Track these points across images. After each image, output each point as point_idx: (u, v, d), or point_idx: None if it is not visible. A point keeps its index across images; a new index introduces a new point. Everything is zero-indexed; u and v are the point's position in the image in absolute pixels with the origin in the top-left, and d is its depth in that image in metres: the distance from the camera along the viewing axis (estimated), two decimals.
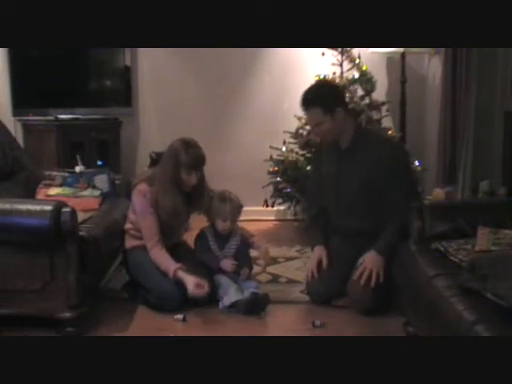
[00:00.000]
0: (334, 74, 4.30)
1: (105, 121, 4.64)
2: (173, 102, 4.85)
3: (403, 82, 4.44)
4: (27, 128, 4.51)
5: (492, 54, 3.50)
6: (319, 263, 3.01)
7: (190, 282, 2.81)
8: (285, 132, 4.38)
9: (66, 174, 3.59)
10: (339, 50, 4.31)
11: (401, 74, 4.45)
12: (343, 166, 2.99)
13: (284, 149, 4.38)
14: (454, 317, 1.92)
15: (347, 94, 4.06)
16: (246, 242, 3.19)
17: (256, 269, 3.33)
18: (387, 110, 4.41)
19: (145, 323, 2.83)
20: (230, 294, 2.91)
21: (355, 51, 4.33)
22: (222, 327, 2.78)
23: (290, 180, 4.27)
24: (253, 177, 4.54)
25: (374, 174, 2.88)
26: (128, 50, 4.68)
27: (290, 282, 3.37)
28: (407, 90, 4.44)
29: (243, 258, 3.14)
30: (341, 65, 4.33)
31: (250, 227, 3.47)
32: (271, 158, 4.42)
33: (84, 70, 4.68)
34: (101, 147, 4.55)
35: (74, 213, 2.62)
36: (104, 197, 3.38)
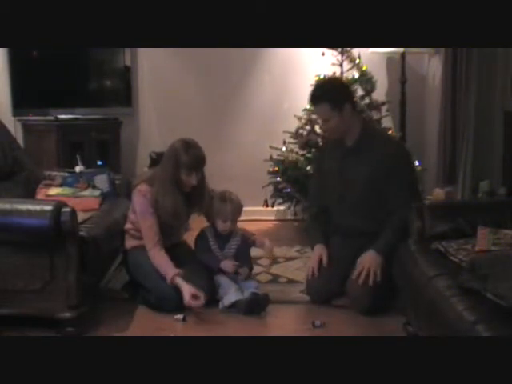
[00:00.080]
0: (334, 74, 4.29)
1: (105, 121, 4.64)
2: (173, 102, 4.85)
3: (403, 82, 4.44)
4: (27, 128, 4.51)
5: (492, 54, 3.50)
6: (320, 262, 3.01)
7: (187, 291, 2.80)
8: (285, 132, 4.38)
9: (66, 174, 3.59)
10: (339, 49, 4.31)
11: (401, 74, 4.44)
12: (347, 164, 3.00)
13: (284, 149, 4.38)
14: (454, 317, 1.91)
15: None
16: (246, 242, 3.19)
17: (256, 269, 3.33)
18: (387, 110, 4.41)
19: (145, 323, 2.83)
20: (230, 294, 2.91)
21: (355, 51, 4.34)
22: (222, 327, 2.78)
23: (289, 180, 4.27)
24: (253, 177, 4.54)
25: (377, 173, 2.89)
26: (128, 50, 4.68)
27: (290, 282, 3.37)
28: (407, 89, 4.44)
29: (243, 258, 3.14)
30: (341, 65, 4.33)
31: (250, 227, 3.47)
32: (271, 158, 4.42)
33: (84, 70, 4.68)
34: (101, 147, 4.55)
35: (73, 213, 2.62)
36: (104, 197, 3.38)
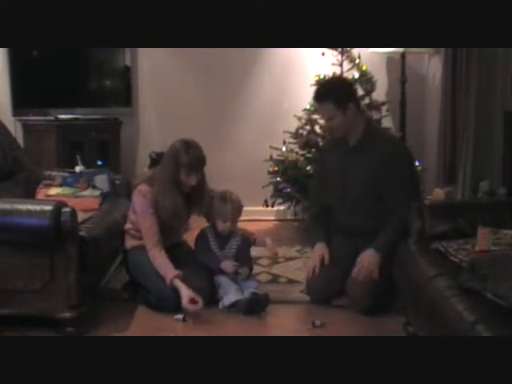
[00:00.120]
0: (334, 73, 4.29)
1: (105, 121, 4.64)
2: (173, 102, 4.85)
3: (403, 82, 4.43)
4: (27, 128, 4.51)
5: (492, 54, 3.50)
6: (321, 260, 3.01)
7: (185, 295, 2.79)
8: (285, 132, 4.38)
9: (66, 174, 3.59)
10: (339, 49, 4.31)
11: (401, 74, 4.44)
12: (350, 163, 3.00)
13: (284, 149, 4.38)
14: (454, 317, 1.92)
15: None
16: (246, 242, 3.19)
17: (256, 269, 3.33)
18: (387, 110, 4.41)
19: (145, 323, 2.83)
20: (230, 294, 2.91)
21: (355, 51, 4.34)
22: (222, 327, 2.78)
23: (289, 180, 4.27)
24: (253, 177, 4.54)
25: (379, 173, 2.90)
26: (128, 50, 4.68)
27: (290, 282, 3.37)
28: (407, 89, 4.44)
29: (244, 258, 3.14)
30: (341, 65, 4.33)
31: (250, 227, 3.48)
32: (271, 158, 4.42)
33: (84, 70, 4.68)
34: (101, 147, 4.55)
35: (74, 213, 2.62)
36: (104, 197, 3.38)
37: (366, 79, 4.26)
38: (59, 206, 2.60)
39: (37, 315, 2.64)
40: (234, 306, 2.89)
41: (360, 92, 4.28)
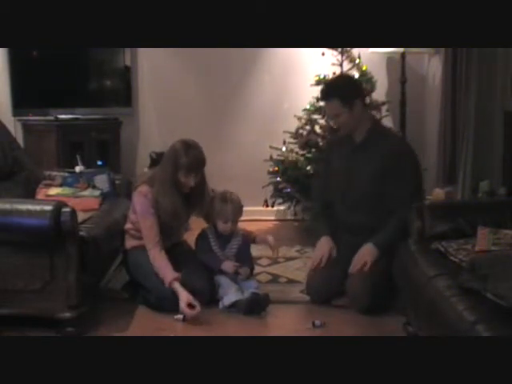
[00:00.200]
0: (334, 74, 4.29)
1: (105, 121, 4.64)
2: (173, 102, 4.85)
3: (403, 82, 4.43)
4: (27, 128, 4.51)
5: (492, 54, 3.50)
6: (329, 252, 3.01)
7: (184, 298, 2.79)
8: (285, 132, 4.38)
9: (66, 174, 3.59)
10: (339, 50, 4.31)
11: (401, 74, 4.44)
12: (355, 160, 3.01)
13: (284, 149, 4.38)
14: (454, 317, 1.91)
15: None
16: (247, 242, 3.19)
17: (256, 269, 3.33)
18: (387, 110, 4.41)
19: (145, 323, 2.83)
20: (230, 294, 2.91)
21: (355, 51, 4.34)
22: (222, 327, 2.78)
23: (289, 180, 4.27)
24: (253, 177, 4.54)
25: (383, 171, 2.91)
26: (128, 50, 4.68)
27: (290, 282, 3.37)
28: (407, 89, 4.44)
29: (245, 258, 3.14)
30: (341, 65, 4.33)
31: (250, 227, 3.47)
32: (271, 158, 4.42)
33: (84, 70, 4.68)
34: (101, 147, 4.55)
35: (74, 213, 2.62)
36: (104, 197, 3.38)
37: (366, 79, 4.26)
38: (59, 205, 2.60)
39: (37, 315, 2.64)
40: (234, 305, 2.89)
41: None
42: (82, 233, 2.68)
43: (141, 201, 2.97)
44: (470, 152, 3.63)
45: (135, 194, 3.02)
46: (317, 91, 4.28)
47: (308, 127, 4.30)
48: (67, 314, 2.61)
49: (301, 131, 4.33)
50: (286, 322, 2.87)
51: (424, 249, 2.51)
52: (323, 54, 4.35)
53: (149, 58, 4.78)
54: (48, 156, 4.30)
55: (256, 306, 2.87)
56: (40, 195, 3.29)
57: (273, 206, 4.64)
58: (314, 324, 2.75)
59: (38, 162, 3.83)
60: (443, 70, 4.05)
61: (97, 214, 3.09)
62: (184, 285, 2.85)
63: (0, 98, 4.50)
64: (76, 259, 2.61)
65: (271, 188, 4.44)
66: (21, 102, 4.47)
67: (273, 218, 4.83)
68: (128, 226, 3.08)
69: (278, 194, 4.43)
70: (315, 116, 4.31)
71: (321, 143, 4.19)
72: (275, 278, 3.42)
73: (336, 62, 4.33)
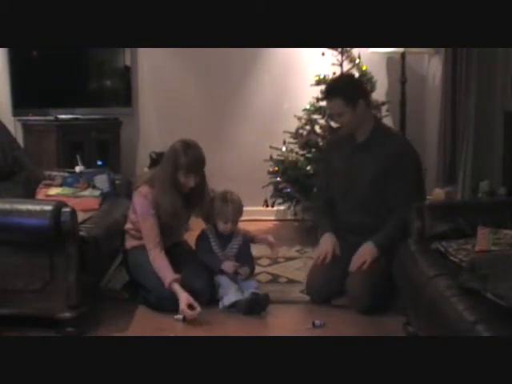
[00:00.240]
0: (334, 74, 4.29)
1: (105, 121, 4.64)
2: (173, 102, 4.85)
3: (403, 82, 4.43)
4: (27, 128, 4.51)
5: (492, 54, 3.50)
6: (333, 249, 3.01)
7: (183, 299, 2.78)
8: (285, 132, 4.38)
9: (66, 174, 3.59)
10: (339, 49, 4.31)
11: (401, 74, 4.44)
12: (357, 160, 3.02)
13: (284, 149, 4.38)
14: (454, 317, 1.91)
15: None
16: (248, 242, 3.19)
17: (256, 269, 3.32)
18: (387, 110, 4.41)
19: (145, 323, 2.83)
20: (230, 294, 2.91)
21: (355, 51, 4.34)
22: (222, 327, 2.78)
23: (289, 180, 4.27)
24: (253, 177, 4.54)
25: (385, 171, 2.91)
26: (128, 50, 4.68)
27: (290, 282, 3.37)
28: (407, 89, 4.44)
29: (245, 258, 3.13)
30: (341, 65, 4.33)
31: (250, 227, 3.47)
32: (271, 158, 4.42)
33: (84, 70, 4.68)
34: (101, 147, 4.55)
35: (74, 213, 2.62)
36: (104, 197, 3.38)
37: (366, 79, 4.26)
38: (59, 206, 2.60)
39: (37, 315, 2.64)
40: (234, 305, 2.89)
41: None
42: (82, 233, 2.68)
43: (141, 202, 2.97)
44: (469, 152, 3.63)
45: (135, 195, 3.02)
46: (317, 91, 4.30)
47: (308, 127, 4.30)
48: (67, 314, 2.61)
49: (301, 131, 4.33)
50: (285, 322, 2.87)
51: (424, 249, 2.51)
52: (323, 54, 4.35)
53: (149, 58, 4.78)
54: (48, 156, 4.30)
55: (256, 305, 2.87)
56: (40, 195, 3.29)
57: (273, 206, 4.64)
58: (314, 324, 2.75)
59: (38, 162, 3.83)
60: (443, 70, 4.05)
61: (97, 214, 3.09)
62: (184, 285, 2.85)
63: (0, 98, 4.50)
64: (76, 259, 2.61)
65: (271, 188, 4.44)
66: (21, 102, 4.47)
67: (273, 217, 4.83)
68: (128, 226, 3.08)
69: (278, 193, 4.43)
70: (315, 116, 4.31)
71: (321, 143, 4.19)
72: (275, 278, 3.42)
73: (336, 61, 4.33)
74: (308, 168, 4.16)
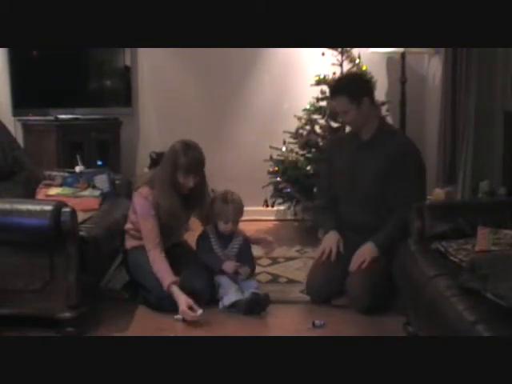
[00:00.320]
0: (334, 74, 4.29)
1: (105, 121, 4.64)
2: (173, 102, 4.85)
3: (403, 82, 4.43)
4: (27, 128, 4.51)
5: (492, 54, 3.50)
6: (337, 246, 3.02)
7: (183, 301, 2.77)
8: (285, 132, 4.38)
9: (66, 174, 3.59)
10: (339, 49, 4.30)
11: (401, 74, 4.44)
12: (360, 158, 3.02)
13: (284, 149, 4.38)
14: (454, 317, 1.91)
15: None
16: (248, 242, 3.19)
17: (256, 269, 3.32)
18: (387, 110, 4.41)
19: (145, 323, 2.83)
20: (231, 294, 2.91)
21: (355, 51, 4.33)
22: (222, 327, 2.78)
23: (289, 180, 4.27)
24: (253, 177, 4.54)
25: (388, 170, 2.92)
26: (128, 50, 4.68)
27: (290, 282, 3.37)
28: (407, 89, 4.44)
29: (246, 258, 3.13)
30: (341, 65, 4.33)
31: (250, 227, 3.48)
32: (271, 158, 4.42)
33: (84, 70, 4.68)
34: (101, 147, 4.55)
35: (74, 213, 2.62)
36: (104, 197, 3.38)
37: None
38: (59, 206, 2.60)
39: (37, 315, 2.64)
40: (234, 306, 2.89)
41: None
42: (82, 233, 2.68)
43: (141, 202, 2.96)
44: (470, 152, 3.63)
45: (135, 195, 3.02)
46: (317, 91, 4.30)
47: (308, 127, 4.30)
48: (67, 314, 2.61)
49: (301, 131, 4.33)
50: (286, 322, 2.87)
51: (424, 249, 2.51)
52: (323, 54, 4.35)
53: (149, 58, 4.78)
54: (48, 156, 4.30)
55: (256, 305, 2.87)
56: (40, 195, 3.29)
57: (273, 206, 4.64)
58: (314, 324, 2.75)
59: (38, 162, 3.83)
60: (443, 70, 4.05)
61: (97, 214, 3.09)
62: (184, 285, 2.85)
63: (0, 97, 4.50)
64: (76, 259, 2.61)
65: (271, 188, 4.45)
66: (21, 102, 4.47)
67: (273, 217, 4.83)
68: (128, 226, 3.08)
69: (278, 193, 4.43)
70: (315, 116, 4.31)
71: (321, 143, 4.19)
72: (275, 278, 3.42)
73: (336, 61, 4.33)
74: (308, 168, 4.16)
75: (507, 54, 3.38)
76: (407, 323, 2.60)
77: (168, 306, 2.85)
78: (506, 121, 3.42)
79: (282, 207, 4.64)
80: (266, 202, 4.61)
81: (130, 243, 3.08)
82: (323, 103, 4.27)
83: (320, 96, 4.27)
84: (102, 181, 3.50)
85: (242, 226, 3.26)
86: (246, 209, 3.22)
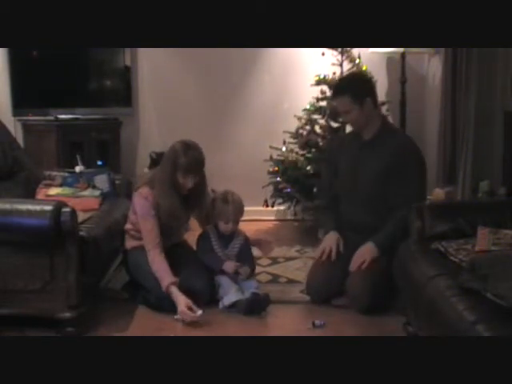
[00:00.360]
0: (334, 74, 4.29)
1: (105, 121, 4.64)
2: (173, 102, 4.85)
3: (403, 82, 4.43)
4: (27, 128, 4.51)
5: (492, 54, 3.50)
6: (337, 246, 3.02)
7: (182, 302, 2.77)
8: (285, 132, 4.38)
9: (66, 174, 3.59)
10: (339, 49, 4.30)
11: (401, 74, 4.44)
12: (362, 158, 3.02)
13: (284, 149, 4.38)
14: (454, 317, 1.91)
15: None
16: (249, 242, 3.18)
17: (256, 269, 3.33)
18: (387, 110, 4.40)
19: (145, 323, 2.83)
20: (231, 294, 2.91)
21: (355, 51, 4.33)
22: (222, 327, 2.78)
23: (289, 180, 4.27)
24: (253, 177, 4.54)
25: (389, 170, 2.92)
26: (128, 50, 4.67)
27: (290, 282, 3.37)
28: (407, 89, 4.44)
29: (246, 258, 3.13)
30: (341, 65, 4.33)
31: (250, 227, 3.48)
32: (271, 158, 4.42)
33: (84, 70, 4.68)
34: (101, 147, 4.55)
35: (74, 213, 2.62)
36: (104, 197, 3.38)
37: None
38: (59, 205, 2.60)
39: (37, 315, 2.64)
40: (234, 306, 2.89)
41: None
42: (82, 233, 2.68)
43: (141, 203, 2.96)
44: (469, 152, 3.63)
45: (136, 196, 3.02)
46: (317, 91, 4.30)
47: (308, 127, 4.30)
48: (67, 314, 2.61)
49: (301, 131, 4.33)
50: (286, 322, 2.87)
51: (424, 249, 2.51)
52: (323, 54, 4.34)
53: (149, 58, 4.78)
54: (48, 156, 4.30)
55: (256, 305, 2.87)
56: (40, 195, 3.29)
57: (273, 206, 4.64)
58: (314, 324, 2.75)
59: (38, 162, 3.83)
60: (443, 70, 4.05)
61: (97, 214, 3.09)
62: (184, 285, 2.85)
63: (0, 97, 4.50)
64: (76, 259, 2.61)
65: (271, 188, 4.45)
66: (21, 102, 4.47)
67: (273, 218, 4.83)
68: (128, 226, 3.08)
69: (278, 193, 4.43)
70: (315, 116, 4.31)
71: (321, 143, 4.19)
72: (275, 278, 3.42)
73: (336, 61, 4.33)
74: (308, 168, 4.16)
75: (507, 54, 3.38)
76: (407, 323, 2.60)
77: (168, 306, 2.85)
78: (506, 121, 3.43)
79: (282, 207, 4.64)
80: (265, 202, 4.61)
81: (129, 243, 3.08)
82: (323, 103, 4.27)
83: (320, 96, 4.27)
84: (102, 181, 3.50)
85: (242, 225, 3.26)
86: (246, 209, 3.22)
